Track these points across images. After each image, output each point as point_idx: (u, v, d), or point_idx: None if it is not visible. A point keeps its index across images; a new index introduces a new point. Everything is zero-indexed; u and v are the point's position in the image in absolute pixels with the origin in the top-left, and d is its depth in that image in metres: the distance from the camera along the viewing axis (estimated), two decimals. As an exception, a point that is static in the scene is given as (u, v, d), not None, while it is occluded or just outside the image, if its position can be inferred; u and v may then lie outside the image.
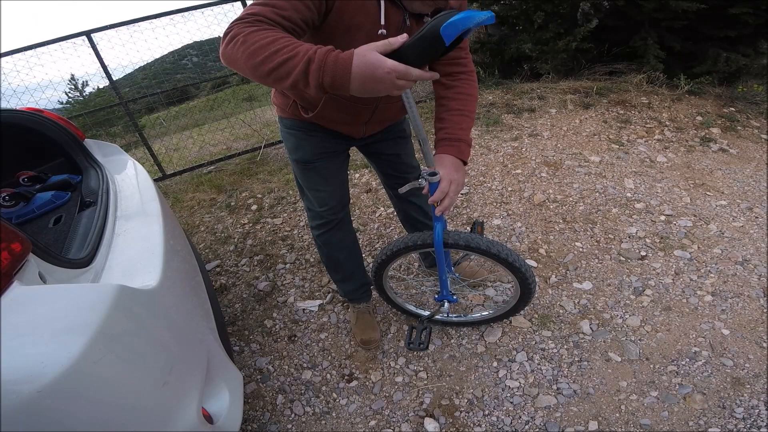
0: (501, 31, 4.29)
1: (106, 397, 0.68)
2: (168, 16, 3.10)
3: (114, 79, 3.17)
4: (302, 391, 1.51)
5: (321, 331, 1.73)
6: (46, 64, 2.95)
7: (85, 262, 0.97)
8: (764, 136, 2.92)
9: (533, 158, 2.76)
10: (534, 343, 1.55)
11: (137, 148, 4.53)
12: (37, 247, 0.83)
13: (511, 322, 1.63)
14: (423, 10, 0.94)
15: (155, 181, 1.98)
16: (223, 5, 3.25)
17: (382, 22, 0.91)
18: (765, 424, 1.23)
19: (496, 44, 4.26)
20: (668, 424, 1.27)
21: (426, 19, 0.96)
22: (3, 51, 2.77)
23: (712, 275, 1.76)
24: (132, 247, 1.10)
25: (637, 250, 1.93)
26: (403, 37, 0.76)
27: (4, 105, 3.02)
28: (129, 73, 4.48)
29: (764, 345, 1.46)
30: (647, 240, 1.99)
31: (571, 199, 2.33)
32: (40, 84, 3.09)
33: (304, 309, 1.85)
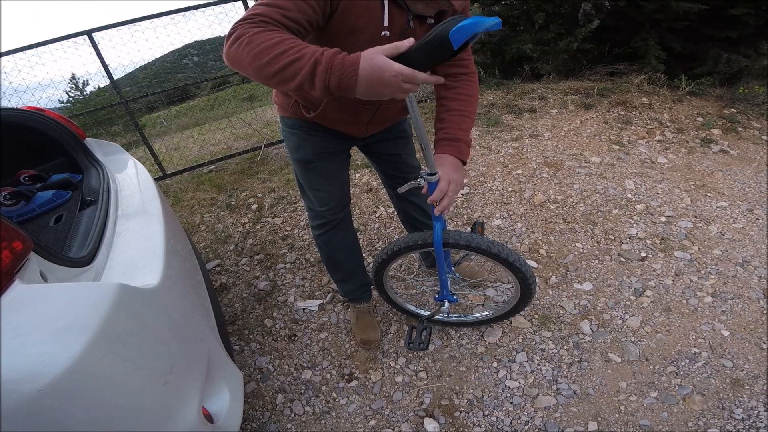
0: (502, 32, 4.28)
1: (106, 397, 0.68)
2: (169, 16, 3.10)
3: (115, 78, 3.17)
4: (302, 391, 1.51)
5: (321, 331, 1.73)
6: (47, 63, 2.96)
7: (86, 261, 0.97)
8: (765, 138, 2.92)
9: (534, 159, 2.76)
10: (534, 343, 1.55)
11: (138, 147, 4.53)
12: (39, 246, 0.83)
13: (511, 322, 1.63)
14: (427, 12, 0.94)
15: (156, 180, 1.98)
16: (223, 5, 3.25)
17: (386, 24, 0.91)
18: (764, 425, 1.23)
19: (496, 44, 4.25)
20: (667, 424, 1.27)
21: (429, 21, 0.97)
22: (4, 50, 2.77)
23: (712, 276, 1.76)
24: (133, 246, 1.10)
25: (638, 251, 1.93)
26: (410, 41, 0.76)
27: (5, 104, 3.03)
28: (130, 73, 4.48)
29: (764, 346, 1.46)
30: (647, 241, 1.99)
31: (571, 199, 2.33)
32: (41, 83, 3.11)
33: (304, 308, 1.85)
